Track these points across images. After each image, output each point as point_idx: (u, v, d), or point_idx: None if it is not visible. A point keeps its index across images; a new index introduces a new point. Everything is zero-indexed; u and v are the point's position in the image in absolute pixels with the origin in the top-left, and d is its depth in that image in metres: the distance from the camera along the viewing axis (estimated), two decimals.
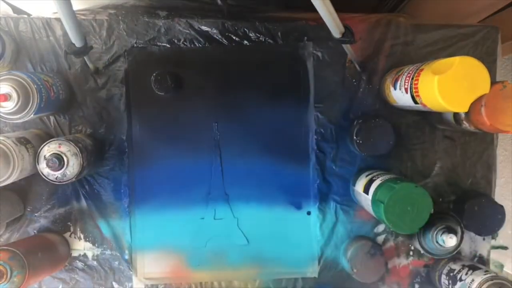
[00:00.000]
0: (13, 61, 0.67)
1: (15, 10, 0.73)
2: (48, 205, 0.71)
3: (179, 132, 0.71)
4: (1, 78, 0.56)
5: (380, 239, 0.73)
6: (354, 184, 0.70)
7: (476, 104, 0.52)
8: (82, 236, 0.71)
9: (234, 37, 0.70)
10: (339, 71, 0.71)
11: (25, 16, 0.69)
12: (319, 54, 0.71)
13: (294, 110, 0.72)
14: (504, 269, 0.97)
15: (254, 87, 0.71)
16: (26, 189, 0.70)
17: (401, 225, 0.58)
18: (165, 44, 0.70)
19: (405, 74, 0.60)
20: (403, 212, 0.57)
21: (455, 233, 0.60)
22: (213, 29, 0.70)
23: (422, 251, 0.67)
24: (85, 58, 0.64)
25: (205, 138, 0.71)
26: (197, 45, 0.71)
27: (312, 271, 0.73)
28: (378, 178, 0.64)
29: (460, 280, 0.65)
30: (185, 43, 0.70)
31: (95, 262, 0.72)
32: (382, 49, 0.70)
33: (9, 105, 0.56)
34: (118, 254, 0.72)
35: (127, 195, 0.71)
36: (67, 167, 0.60)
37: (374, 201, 0.61)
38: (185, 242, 0.72)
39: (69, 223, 0.71)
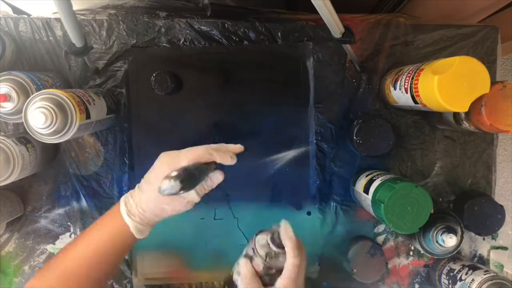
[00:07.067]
0: (13, 61, 0.67)
1: (15, 10, 0.73)
2: (48, 205, 0.71)
3: (179, 132, 0.71)
4: (1, 78, 0.56)
5: (380, 239, 0.73)
6: (354, 184, 0.70)
7: (476, 104, 0.52)
8: None
9: (234, 37, 0.70)
10: (339, 71, 0.71)
11: (25, 16, 0.69)
12: (319, 54, 0.71)
13: (294, 110, 0.72)
14: (504, 269, 0.97)
15: (254, 87, 0.71)
16: (26, 189, 0.70)
17: (401, 225, 0.58)
18: (165, 44, 0.70)
19: (405, 74, 0.60)
20: (403, 212, 0.57)
21: (455, 233, 0.60)
22: (213, 29, 0.70)
23: (422, 251, 0.67)
24: (85, 58, 0.64)
25: (205, 138, 0.71)
26: (197, 45, 0.71)
27: (312, 271, 0.73)
28: (378, 178, 0.64)
29: (460, 280, 0.65)
30: (185, 43, 0.70)
31: None
32: (382, 49, 0.71)
33: (9, 105, 0.56)
34: None
35: None
36: None
37: (374, 201, 0.61)
38: (185, 242, 0.72)
39: (69, 223, 0.71)
